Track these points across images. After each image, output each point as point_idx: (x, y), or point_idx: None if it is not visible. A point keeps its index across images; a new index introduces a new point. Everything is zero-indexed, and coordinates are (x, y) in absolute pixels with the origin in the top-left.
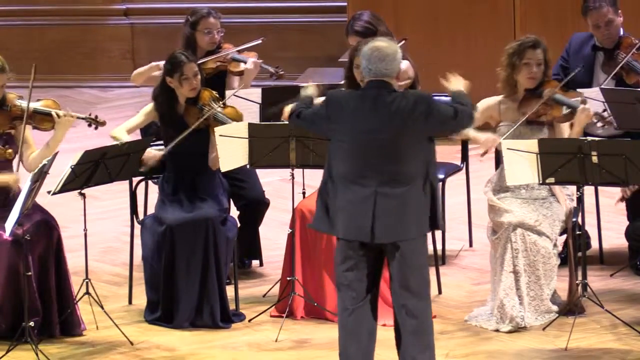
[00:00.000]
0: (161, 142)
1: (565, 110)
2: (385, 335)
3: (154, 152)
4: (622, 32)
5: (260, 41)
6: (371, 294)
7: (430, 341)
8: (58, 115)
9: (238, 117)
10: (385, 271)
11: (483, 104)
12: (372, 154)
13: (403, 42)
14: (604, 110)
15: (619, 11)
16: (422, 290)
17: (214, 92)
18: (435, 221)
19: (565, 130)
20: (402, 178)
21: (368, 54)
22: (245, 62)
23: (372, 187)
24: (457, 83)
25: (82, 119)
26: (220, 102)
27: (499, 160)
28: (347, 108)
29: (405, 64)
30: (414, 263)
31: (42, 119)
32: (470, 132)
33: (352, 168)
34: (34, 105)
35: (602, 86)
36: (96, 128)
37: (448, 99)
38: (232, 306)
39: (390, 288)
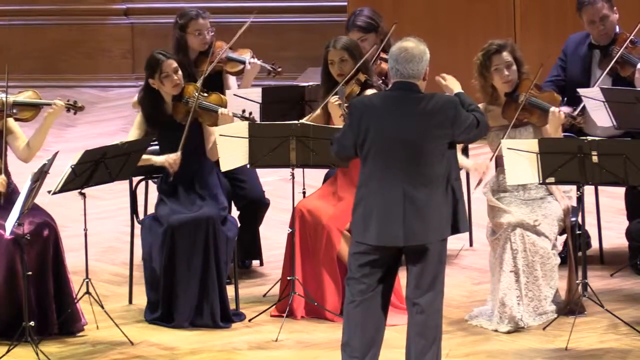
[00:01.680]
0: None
1: (540, 115)
2: (385, 335)
3: (173, 157)
4: (617, 30)
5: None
6: (382, 288)
7: (436, 335)
8: (39, 105)
9: (222, 103)
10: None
11: None
12: (398, 155)
13: (394, 25)
14: (575, 110)
15: (614, 8)
16: (435, 288)
17: (198, 85)
18: (457, 225)
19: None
20: (427, 180)
21: (396, 54)
22: (243, 63)
23: (399, 189)
24: (454, 84)
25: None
26: (203, 92)
27: (497, 163)
28: (372, 110)
29: None
30: (433, 265)
31: (22, 110)
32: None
33: (379, 170)
34: (14, 97)
35: (602, 86)
36: (75, 113)
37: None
38: (232, 306)
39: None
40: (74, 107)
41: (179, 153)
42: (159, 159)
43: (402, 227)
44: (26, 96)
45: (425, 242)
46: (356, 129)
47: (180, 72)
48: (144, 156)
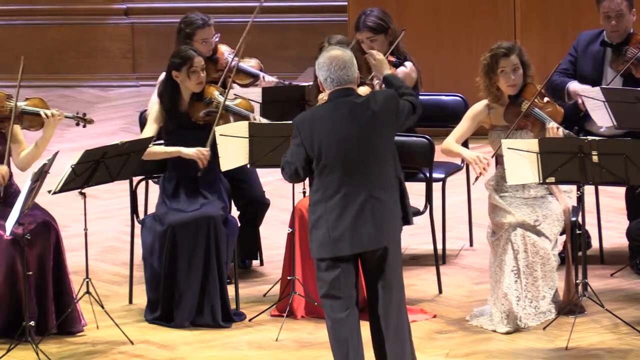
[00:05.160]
0: (161, 141)
1: (540, 127)
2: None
3: (204, 151)
4: (632, 31)
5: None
6: (356, 299)
7: (409, 342)
8: (46, 115)
9: (250, 108)
10: None
11: (471, 112)
12: (356, 160)
13: (403, 32)
14: (575, 129)
15: (634, 10)
16: (401, 290)
17: (220, 87)
18: (407, 218)
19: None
20: (386, 181)
21: (327, 64)
22: (256, 77)
23: (362, 194)
24: (384, 64)
25: (70, 117)
26: (230, 95)
27: (497, 162)
28: (320, 122)
29: (408, 65)
30: (395, 264)
31: (31, 119)
32: (458, 149)
33: (338, 181)
34: (22, 105)
35: (603, 85)
36: (84, 126)
37: (451, 98)
38: (232, 306)
39: (367, 290)
40: (82, 120)
41: (208, 148)
42: (189, 151)
43: (374, 229)
44: (32, 104)
45: (390, 241)
46: (308, 144)
47: (204, 72)
48: (171, 148)
